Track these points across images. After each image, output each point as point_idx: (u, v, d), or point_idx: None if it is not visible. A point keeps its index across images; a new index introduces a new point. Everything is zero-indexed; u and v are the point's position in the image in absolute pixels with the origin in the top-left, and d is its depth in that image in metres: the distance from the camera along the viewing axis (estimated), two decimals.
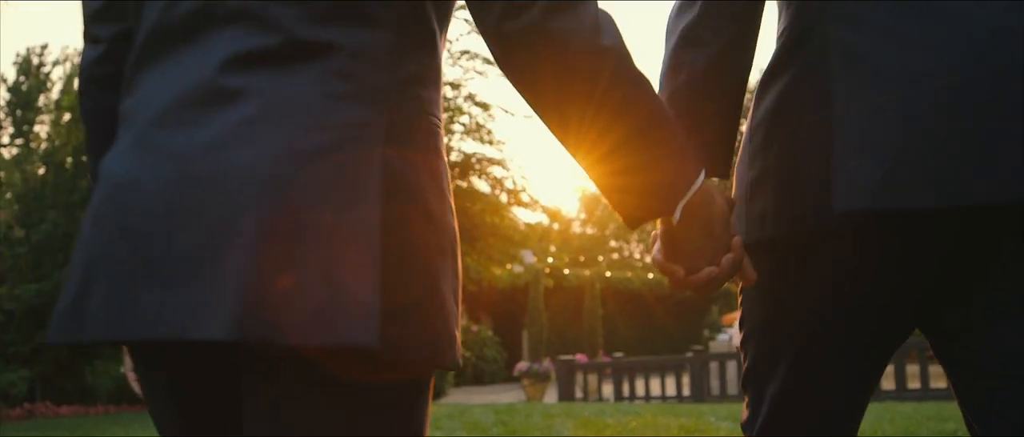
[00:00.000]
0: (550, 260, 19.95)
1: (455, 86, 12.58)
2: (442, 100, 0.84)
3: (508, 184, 13.43)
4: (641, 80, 0.80)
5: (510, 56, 0.78)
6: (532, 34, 0.75)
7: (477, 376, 15.90)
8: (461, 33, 12.20)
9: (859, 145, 0.81)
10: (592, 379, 12.30)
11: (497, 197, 13.44)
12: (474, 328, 16.51)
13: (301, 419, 0.73)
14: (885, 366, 0.96)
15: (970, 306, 0.86)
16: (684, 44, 0.93)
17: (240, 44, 0.74)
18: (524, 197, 13.62)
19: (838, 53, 0.84)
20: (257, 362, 0.74)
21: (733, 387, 10.80)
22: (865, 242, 0.86)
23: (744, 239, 0.91)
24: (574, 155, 0.84)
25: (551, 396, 12.33)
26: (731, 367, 10.99)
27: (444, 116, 0.99)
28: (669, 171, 0.83)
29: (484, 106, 12.69)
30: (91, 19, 0.90)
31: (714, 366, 11.29)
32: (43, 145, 13.06)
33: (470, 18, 0.73)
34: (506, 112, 13.51)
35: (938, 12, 0.80)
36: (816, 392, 0.95)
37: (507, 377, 14.70)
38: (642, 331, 15.67)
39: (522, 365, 13.00)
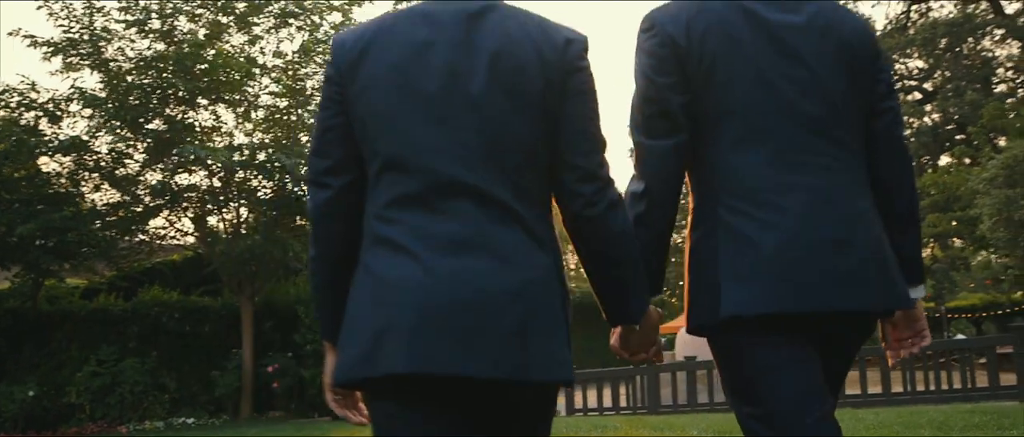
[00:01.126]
0: None
1: None
2: None
3: None
4: (637, 246, 1.57)
5: (580, 228, 1.50)
6: (597, 219, 1.49)
7: None
8: None
9: (733, 284, 1.59)
10: None
11: None
12: None
13: (529, 422, 1.51)
14: (816, 364, 1.63)
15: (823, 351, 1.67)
16: (637, 224, 1.62)
17: (476, 209, 1.40)
18: None
19: (722, 229, 1.62)
20: (505, 393, 1.44)
21: (684, 397, 10.70)
22: (754, 323, 1.60)
23: (703, 320, 1.67)
24: (589, 276, 1.56)
25: None
26: (682, 378, 10.91)
27: None
28: (640, 298, 1.59)
29: None
30: (323, 173, 1.51)
31: (665, 377, 11.20)
32: None
33: None
34: None
35: (779, 207, 1.59)
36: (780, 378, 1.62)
37: None
38: (590, 341, 15.36)
39: None
